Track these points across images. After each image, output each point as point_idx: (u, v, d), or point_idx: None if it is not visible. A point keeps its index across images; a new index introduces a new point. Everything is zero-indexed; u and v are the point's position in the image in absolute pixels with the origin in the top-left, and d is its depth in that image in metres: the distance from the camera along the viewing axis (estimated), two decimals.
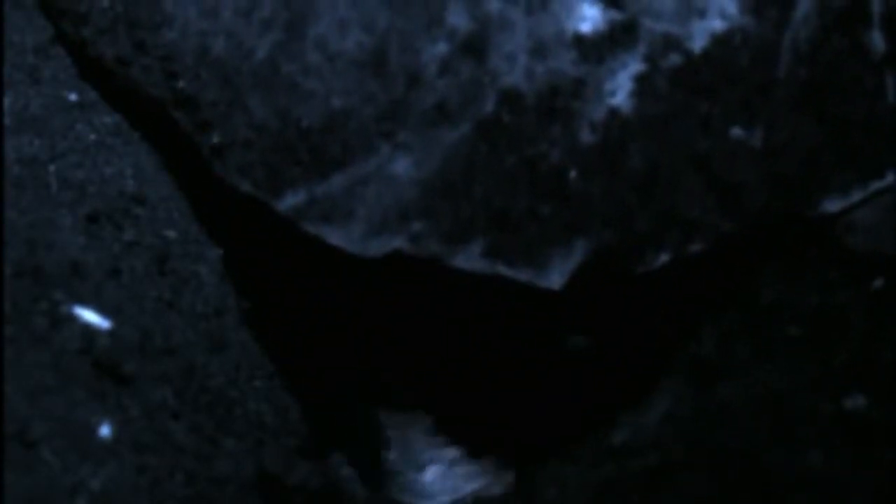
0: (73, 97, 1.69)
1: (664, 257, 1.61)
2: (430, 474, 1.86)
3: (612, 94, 1.59)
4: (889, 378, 1.46)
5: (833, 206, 1.62)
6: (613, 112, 1.59)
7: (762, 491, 1.42)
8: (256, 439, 1.53)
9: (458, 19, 1.59)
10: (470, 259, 1.61)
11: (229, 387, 1.55)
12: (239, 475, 1.46)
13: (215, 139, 1.63)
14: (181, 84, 1.64)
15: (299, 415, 1.62)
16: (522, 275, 1.61)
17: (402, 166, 1.60)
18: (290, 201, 1.62)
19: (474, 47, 1.60)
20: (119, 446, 1.36)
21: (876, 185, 1.62)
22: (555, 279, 1.61)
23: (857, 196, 1.62)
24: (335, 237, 1.62)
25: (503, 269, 1.61)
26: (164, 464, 1.40)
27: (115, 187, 1.63)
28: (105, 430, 1.37)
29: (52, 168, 1.60)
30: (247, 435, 1.52)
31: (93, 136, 1.67)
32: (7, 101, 1.64)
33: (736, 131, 1.59)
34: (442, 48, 1.60)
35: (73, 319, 1.45)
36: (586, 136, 1.59)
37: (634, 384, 1.70)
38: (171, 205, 1.66)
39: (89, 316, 1.46)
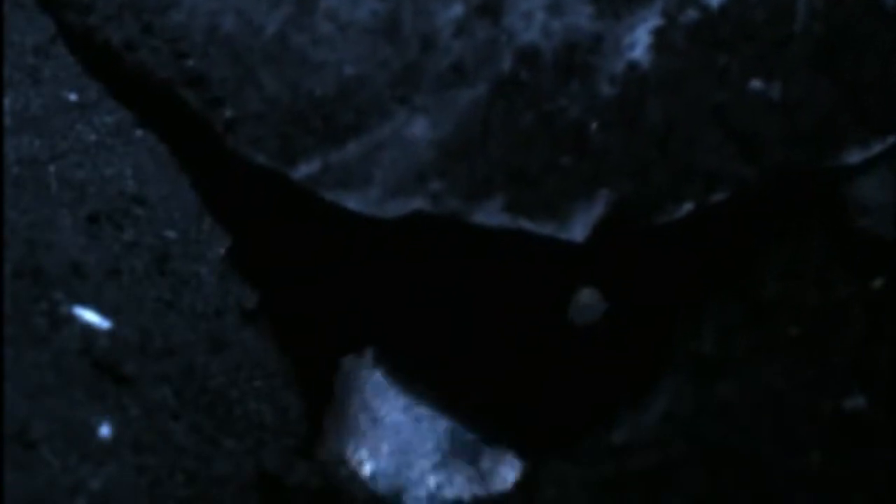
0: (73, 97, 1.69)
1: (687, 206, 1.59)
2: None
3: (631, 48, 1.58)
4: (889, 378, 1.47)
5: (853, 157, 1.60)
6: (632, 66, 1.58)
7: (762, 490, 1.43)
8: (256, 439, 1.53)
9: None
10: (491, 214, 1.59)
11: (229, 387, 1.55)
12: (239, 475, 1.46)
13: (227, 114, 1.62)
14: (190, 63, 1.63)
15: (299, 415, 1.62)
16: (545, 228, 1.58)
17: (418, 129, 1.59)
18: (304, 170, 1.61)
19: (490, 8, 1.59)
20: (119, 446, 1.37)
21: (894, 139, 1.61)
22: (577, 231, 1.58)
23: (876, 148, 1.59)
24: (352, 201, 1.60)
25: (525, 223, 1.58)
26: (164, 464, 1.40)
27: (115, 187, 1.63)
28: (105, 430, 1.37)
29: (52, 168, 1.60)
30: (247, 435, 1.53)
31: (93, 137, 1.67)
32: (7, 101, 1.64)
33: (755, 84, 1.58)
34: (457, 10, 1.59)
35: (73, 319, 1.45)
36: (605, 90, 1.58)
37: (643, 363, 1.69)
38: (171, 205, 1.66)
39: (89, 316, 1.47)
